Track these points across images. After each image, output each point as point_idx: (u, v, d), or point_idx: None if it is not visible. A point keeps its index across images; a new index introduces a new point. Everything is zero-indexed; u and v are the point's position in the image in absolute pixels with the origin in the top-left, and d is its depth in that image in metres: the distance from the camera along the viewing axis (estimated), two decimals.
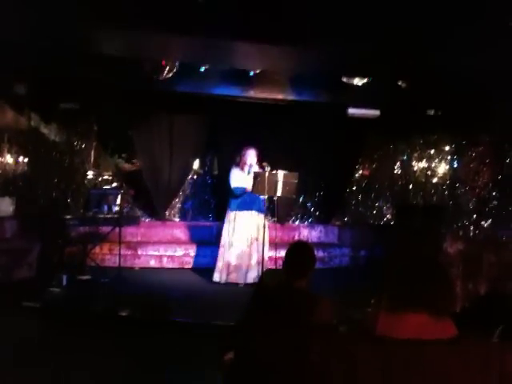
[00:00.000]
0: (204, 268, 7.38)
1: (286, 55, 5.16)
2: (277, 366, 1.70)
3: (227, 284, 6.34)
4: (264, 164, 6.05)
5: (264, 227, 6.10)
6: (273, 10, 4.18)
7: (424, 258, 1.90)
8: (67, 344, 4.14)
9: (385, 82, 6.57)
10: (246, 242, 6.27)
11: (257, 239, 6.20)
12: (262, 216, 6.27)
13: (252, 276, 6.19)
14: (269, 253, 6.33)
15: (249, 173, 6.24)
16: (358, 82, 6.46)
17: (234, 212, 6.35)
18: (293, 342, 1.69)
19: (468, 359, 1.57)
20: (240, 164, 6.37)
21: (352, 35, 4.40)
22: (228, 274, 6.33)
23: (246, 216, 6.29)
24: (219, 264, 6.40)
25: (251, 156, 6.33)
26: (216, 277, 6.38)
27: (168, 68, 6.02)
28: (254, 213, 6.26)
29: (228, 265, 6.34)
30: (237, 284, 6.30)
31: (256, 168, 6.21)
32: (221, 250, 6.42)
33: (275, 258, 6.15)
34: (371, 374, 1.60)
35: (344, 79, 6.47)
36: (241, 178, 6.32)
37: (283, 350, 1.69)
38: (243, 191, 6.28)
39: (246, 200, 6.27)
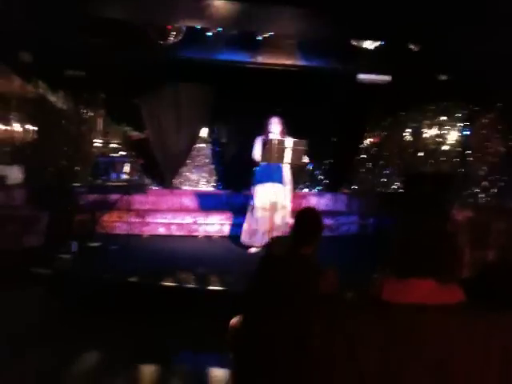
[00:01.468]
0: (213, 235, 7.45)
1: (296, 17, 5.03)
2: (282, 336, 1.71)
3: (243, 248, 6.42)
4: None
5: (284, 196, 6.10)
6: None
7: (432, 226, 1.88)
8: (77, 311, 4.21)
9: (396, 46, 6.41)
10: (264, 209, 6.26)
11: (278, 207, 6.16)
12: (282, 186, 6.22)
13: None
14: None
15: None
16: (368, 45, 6.32)
17: (257, 186, 6.33)
18: (296, 312, 1.69)
19: (472, 327, 1.56)
20: (264, 133, 6.30)
21: None
22: (250, 237, 6.37)
23: (264, 188, 6.25)
24: (244, 226, 6.46)
25: (274, 125, 6.25)
26: (241, 238, 6.46)
27: (174, 32, 5.91)
28: (274, 184, 6.19)
29: (250, 228, 6.38)
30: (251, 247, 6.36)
31: (277, 137, 6.12)
32: (247, 214, 6.47)
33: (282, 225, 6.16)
34: (374, 340, 1.61)
35: (354, 43, 6.33)
36: (260, 147, 6.27)
37: (288, 320, 1.69)
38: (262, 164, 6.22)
39: (266, 170, 6.19)
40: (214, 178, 9.00)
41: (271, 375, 1.72)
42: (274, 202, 6.13)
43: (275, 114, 6.39)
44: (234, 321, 2.62)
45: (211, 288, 4.83)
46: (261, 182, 6.26)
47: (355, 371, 1.59)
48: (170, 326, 4.09)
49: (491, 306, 1.70)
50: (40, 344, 3.64)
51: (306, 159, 6.26)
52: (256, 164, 6.33)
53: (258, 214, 6.28)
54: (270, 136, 6.10)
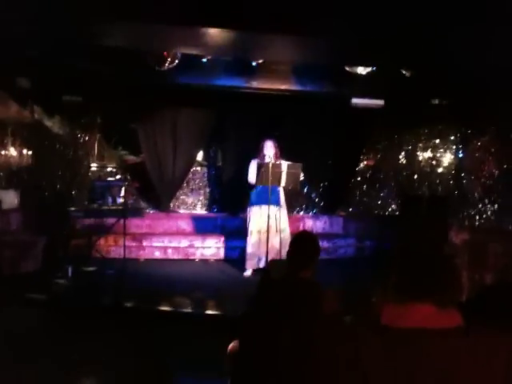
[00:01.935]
0: (209, 259, 7.43)
1: (291, 44, 5.11)
2: (281, 358, 1.70)
3: (239, 271, 6.42)
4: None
5: (280, 218, 6.12)
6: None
7: (430, 249, 1.89)
8: (73, 335, 4.17)
9: (389, 71, 6.51)
10: (260, 233, 6.26)
11: (275, 229, 6.14)
12: (278, 208, 6.22)
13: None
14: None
15: None
16: (361, 71, 6.42)
17: (252, 207, 6.35)
18: (297, 334, 1.69)
19: (474, 350, 1.56)
20: (258, 156, 6.34)
21: (356, 23, 4.35)
22: (249, 261, 6.38)
23: (260, 210, 6.27)
24: (247, 253, 6.45)
25: (268, 148, 6.29)
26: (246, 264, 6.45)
27: (170, 59, 5.99)
28: (271, 207, 6.18)
29: (248, 254, 6.38)
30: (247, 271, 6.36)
31: (272, 160, 6.14)
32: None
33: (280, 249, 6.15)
34: (376, 363, 1.60)
35: (348, 68, 6.42)
36: (255, 170, 6.30)
37: (287, 343, 1.69)
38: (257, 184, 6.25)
39: (262, 192, 6.21)
40: (210, 201, 9.01)
41: None
42: (272, 226, 6.13)
43: (270, 137, 6.45)
44: (231, 346, 2.60)
45: (208, 312, 4.80)
46: (256, 203, 6.28)
47: None
48: (167, 351, 4.05)
49: (490, 328, 1.70)
50: (36, 368, 3.59)
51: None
52: (251, 187, 6.35)
53: (254, 237, 6.29)
54: (265, 159, 6.14)
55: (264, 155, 6.24)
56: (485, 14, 4.13)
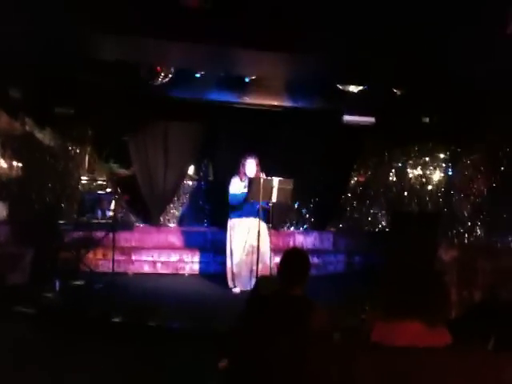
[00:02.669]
0: (198, 274, 7.39)
1: (282, 61, 5.16)
2: (272, 375, 1.69)
3: (229, 290, 6.36)
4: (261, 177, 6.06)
5: (260, 234, 6.05)
6: (270, 16, 4.19)
7: (419, 267, 1.90)
8: (60, 350, 4.11)
9: (380, 90, 6.58)
10: (244, 250, 6.24)
11: (257, 247, 6.07)
12: (260, 223, 6.18)
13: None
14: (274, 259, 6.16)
15: (245, 182, 6.25)
16: (353, 89, 6.48)
17: (233, 220, 6.34)
18: (288, 351, 1.68)
19: (463, 368, 1.56)
20: (239, 174, 6.35)
21: (348, 42, 4.41)
22: (233, 280, 6.33)
23: (243, 223, 6.25)
24: (227, 271, 6.40)
25: (250, 166, 6.30)
26: (229, 283, 6.38)
27: (163, 74, 6.01)
28: (252, 219, 6.18)
29: (232, 272, 6.33)
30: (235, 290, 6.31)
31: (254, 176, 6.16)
32: (226, 257, 6.43)
33: (272, 263, 6.14)
34: (366, 381, 1.60)
35: (340, 86, 6.49)
36: (238, 188, 6.30)
37: (279, 359, 1.68)
38: (240, 201, 6.22)
39: (244, 209, 6.22)
40: (201, 215, 8.98)
41: None
42: (251, 244, 6.12)
43: (251, 154, 6.44)
44: (222, 363, 2.58)
45: (197, 327, 4.77)
46: (238, 216, 6.27)
47: None
48: (154, 366, 4.00)
49: (479, 347, 1.70)
50: (22, 382, 3.54)
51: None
52: (233, 204, 6.34)
53: (237, 257, 6.26)
54: (247, 174, 6.16)
55: (245, 172, 6.25)
56: (475, 29, 4.18)
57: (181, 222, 8.83)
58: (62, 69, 5.93)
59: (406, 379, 1.56)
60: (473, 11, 4.03)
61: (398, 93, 6.50)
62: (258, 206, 6.11)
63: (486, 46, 4.35)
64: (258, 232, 5.96)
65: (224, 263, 6.67)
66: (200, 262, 7.48)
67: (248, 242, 6.20)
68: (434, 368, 1.58)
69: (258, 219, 6.09)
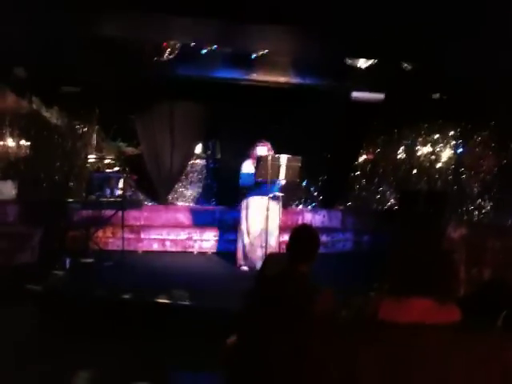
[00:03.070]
0: (207, 252, 7.43)
1: (290, 35, 5.08)
2: (279, 358, 1.69)
3: (238, 268, 6.37)
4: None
5: (273, 211, 6.06)
6: None
7: (428, 244, 1.88)
8: (70, 327, 4.15)
9: (389, 65, 6.47)
10: (258, 230, 6.22)
11: (266, 227, 6.05)
12: (274, 202, 6.19)
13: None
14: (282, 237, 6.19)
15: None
16: (362, 64, 6.38)
17: (248, 199, 6.32)
18: (294, 335, 1.68)
19: (472, 348, 1.55)
20: (251, 156, 6.32)
21: (356, 15, 4.32)
22: (245, 260, 6.34)
23: (258, 203, 6.23)
24: (237, 249, 6.41)
25: (261, 148, 6.26)
26: (238, 262, 6.39)
27: (169, 50, 5.95)
28: (266, 199, 6.13)
29: (243, 251, 6.35)
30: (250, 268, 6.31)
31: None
32: (238, 236, 6.44)
33: (279, 243, 6.15)
34: (373, 360, 1.59)
35: (348, 61, 6.38)
36: (248, 169, 6.28)
37: (285, 343, 1.68)
38: (252, 183, 6.20)
39: (258, 189, 6.18)
40: (209, 193, 8.99)
41: None
42: (265, 220, 6.09)
43: (261, 139, 6.40)
44: (229, 340, 2.58)
45: (205, 305, 4.79)
46: (253, 195, 6.25)
47: None
48: (163, 344, 4.04)
49: (487, 327, 1.69)
50: (31, 361, 3.58)
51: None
52: (244, 187, 6.32)
53: (252, 236, 6.25)
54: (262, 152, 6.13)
55: (256, 156, 6.22)
56: (485, 11, 4.10)
57: (189, 200, 8.84)
58: (67, 48, 5.88)
59: (414, 355, 1.56)
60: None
61: (408, 68, 6.38)
62: (272, 186, 6.10)
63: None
64: (267, 212, 5.96)
65: (233, 241, 6.69)
66: (208, 240, 7.50)
67: (263, 222, 6.14)
68: (443, 344, 1.57)
69: (271, 199, 6.09)
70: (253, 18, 4.37)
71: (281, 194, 6.28)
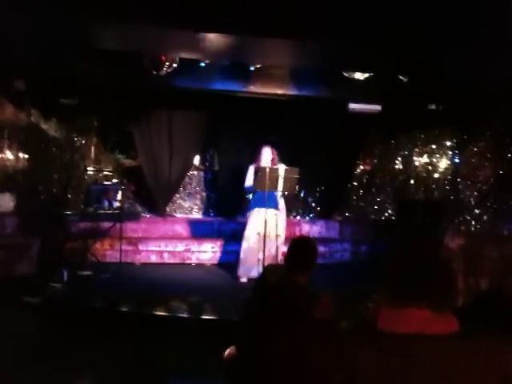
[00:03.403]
0: (205, 263, 7.42)
1: (287, 49, 5.12)
2: (278, 364, 1.69)
3: (235, 276, 6.37)
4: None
5: (277, 223, 6.07)
6: (273, 3, 4.16)
7: (426, 254, 1.89)
8: (68, 340, 4.14)
9: (386, 77, 6.53)
10: (255, 238, 6.23)
11: (274, 234, 6.08)
12: (277, 212, 6.20)
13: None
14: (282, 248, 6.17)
15: None
16: (359, 76, 6.43)
17: (250, 211, 6.33)
18: (293, 340, 1.68)
19: (470, 355, 1.55)
20: (256, 162, 6.34)
21: (353, 29, 4.37)
22: (244, 267, 6.34)
23: (258, 213, 6.24)
24: (240, 258, 6.41)
25: (266, 154, 6.28)
26: (238, 271, 6.38)
27: (168, 63, 5.99)
28: (267, 210, 6.14)
29: (244, 257, 6.36)
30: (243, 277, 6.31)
31: (269, 165, 6.10)
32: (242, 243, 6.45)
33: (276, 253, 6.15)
34: (371, 369, 1.59)
35: (345, 74, 6.44)
36: (250, 178, 6.29)
37: (284, 348, 1.68)
38: (251, 191, 6.23)
39: (261, 197, 6.17)
40: (207, 205, 9.00)
41: None
42: (269, 230, 6.08)
43: (267, 142, 6.44)
44: (228, 351, 2.59)
45: (204, 317, 4.79)
46: (255, 207, 6.26)
47: None
48: (162, 355, 4.03)
49: (486, 334, 1.69)
50: (28, 373, 3.57)
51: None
52: (248, 192, 6.35)
53: (251, 242, 6.26)
54: (262, 164, 6.13)
55: (261, 161, 6.24)
56: (484, 19, 4.14)
57: (187, 211, 8.86)
58: (65, 60, 5.91)
59: (413, 365, 1.56)
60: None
61: (404, 80, 6.44)
62: (275, 194, 6.12)
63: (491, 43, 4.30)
64: (265, 221, 5.97)
65: (231, 252, 6.68)
66: (206, 252, 7.49)
67: (260, 231, 6.13)
68: (441, 354, 1.57)
69: (273, 209, 6.12)
70: (252, 31, 4.41)
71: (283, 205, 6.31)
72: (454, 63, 5.22)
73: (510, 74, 5.05)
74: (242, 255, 6.34)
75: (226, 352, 2.61)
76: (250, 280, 6.20)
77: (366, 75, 6.44)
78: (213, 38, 4.57)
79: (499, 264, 4.74)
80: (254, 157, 6.39)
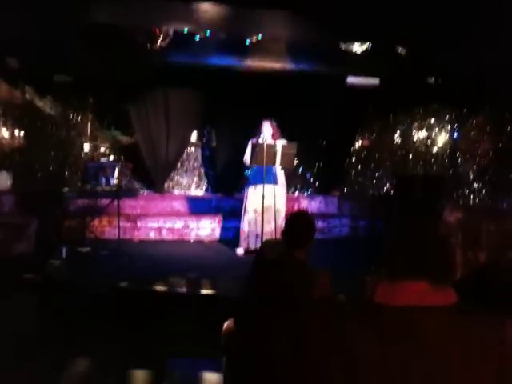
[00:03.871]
0: (203, 239, 7.43)
1: (284, 20, 5.05)
2: (279, 339, 1.69)
3: (234, 253, 6.41)
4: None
5: (276, 197, 6.06)
6: None
7: (424, 228, 1.88)
8: (66, 315, 4.16)
9: (384, 50, 6.44)
10: (253, 213, 6.23)
11: (267, 211, 6.04)
12: (276, 187, 6.17)
13: None
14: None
15: None
16: (357, 49, 6.35)
17: (250, 187, 6.31)
18: (293, 326, 1.68)
19: (470, 333, 1.55)
20: (256, 137, 6.28)
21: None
22: (244, 241, 6.36)
23: (256, 189, 6.21)
24: (242, 231, 6.43)
25: (266, 128, 6.21)
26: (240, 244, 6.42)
27: (162, 36, 5.90)
28: (266, 185, 6.09)
29: (243, 232, 6.37)
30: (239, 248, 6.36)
31: (268, 140, 6.05)
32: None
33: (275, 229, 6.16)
34: (369, 342, 1.60)
35: (343, 46, 6.35)
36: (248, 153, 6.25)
37: (284, 334, 1.68)
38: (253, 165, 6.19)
39: (259, 172, 6.13)
40: (205, 181, 8.99)
41: (267, 380, 1.70)
42: (267, 205, 6.06)
43: (267, 116, 6.37)
44: (227, 324, 2.60)
45: (203, 293, 4.81)
46: (254, 183, 6.24)
47: (353, 375, 1.58)
48: (161, 331, 4.05)
49: (485, 311, 1.69)
50: (29, 351, 3.59)
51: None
52: (248, 167, 6.32)
53: (250, 216, 6.27)
54: (261, 139, 6.07)
55: (261, 135, 6.17)
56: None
57: (185, 188, 8.85)
58: (59, 37, 5.82)
59: (410, 338, 1.56)
60: None
61: (403, 53, 6.36)
62: (274, 169, 6.09)
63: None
64: (263, 196, 5.95)
65: (230, 229, 6.66)
66: (205, 228, 7.51)
67: (261, 204, 6.10)
68: (439, 327, 1.58)
69: (272, 184, 6.08)
70: (248, 2, 4.34)
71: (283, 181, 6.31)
72: (452, 37, 5.15)
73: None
74: (241, 231, 6.35)
75: (225, 325, 2.61)
76: (248, 255, 6.22)
77: (364, 48, 6.36)
78: (207, 8, 4.49)
79: (497, 238, 4.76)
80: (254, 131, 6.32)
